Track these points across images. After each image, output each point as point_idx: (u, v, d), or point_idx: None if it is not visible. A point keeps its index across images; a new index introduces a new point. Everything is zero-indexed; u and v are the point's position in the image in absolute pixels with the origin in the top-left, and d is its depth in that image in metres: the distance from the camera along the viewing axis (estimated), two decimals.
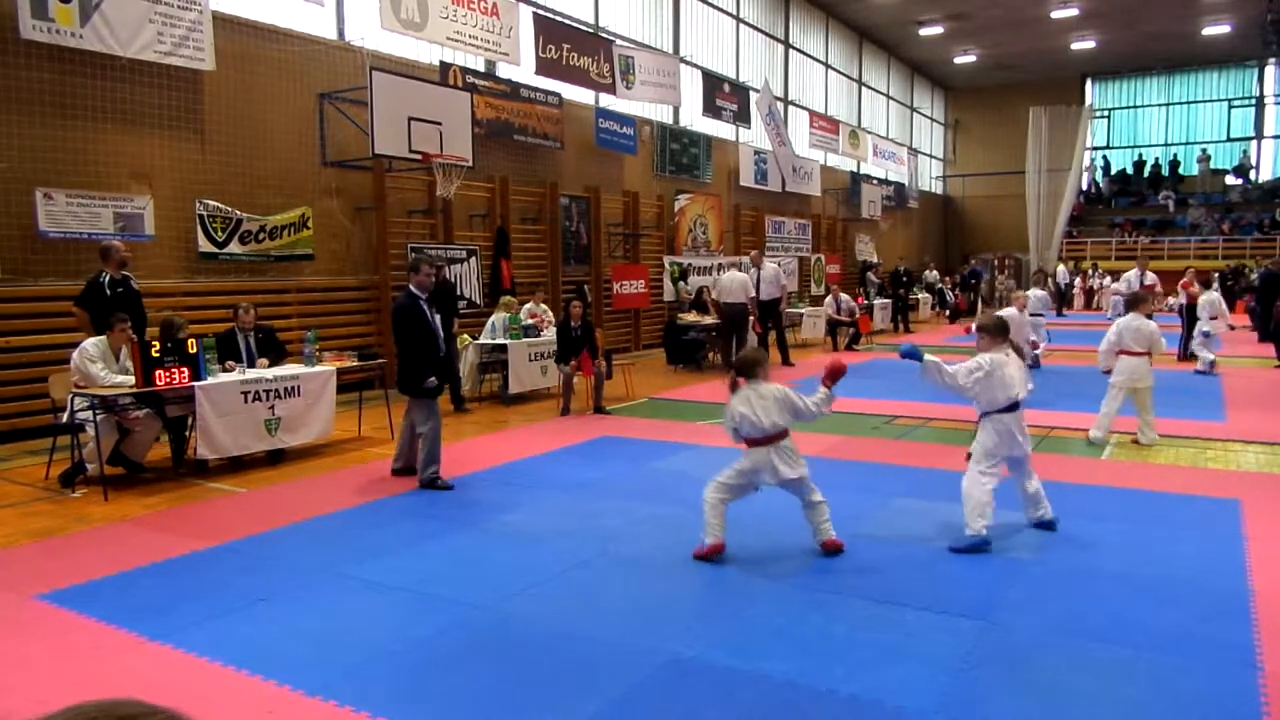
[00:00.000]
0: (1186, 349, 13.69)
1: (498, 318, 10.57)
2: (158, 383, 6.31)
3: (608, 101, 15.43)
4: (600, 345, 9.99)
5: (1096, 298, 26.83)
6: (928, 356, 4.91)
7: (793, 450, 4.72)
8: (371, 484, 6.49)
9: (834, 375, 4.74)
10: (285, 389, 7.12)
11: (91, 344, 6.50)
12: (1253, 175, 31.15)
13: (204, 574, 4.57)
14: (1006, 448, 4.97)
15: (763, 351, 5.16)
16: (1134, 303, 7.93)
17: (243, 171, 9.68)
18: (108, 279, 7.25)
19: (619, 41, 15.43)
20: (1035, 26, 25.16)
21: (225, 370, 6.99)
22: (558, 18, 14.09)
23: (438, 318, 6.60)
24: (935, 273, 25.63)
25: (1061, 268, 27.17)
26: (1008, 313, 9.87)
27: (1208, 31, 25.99)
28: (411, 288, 6.48)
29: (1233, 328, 12.66)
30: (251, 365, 7.37)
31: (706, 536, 4.68)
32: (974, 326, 5.14)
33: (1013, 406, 4.96)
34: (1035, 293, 13.64)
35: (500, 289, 12.14)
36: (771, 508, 5.69)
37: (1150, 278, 12.68)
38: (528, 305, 11.40)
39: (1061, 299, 25.83)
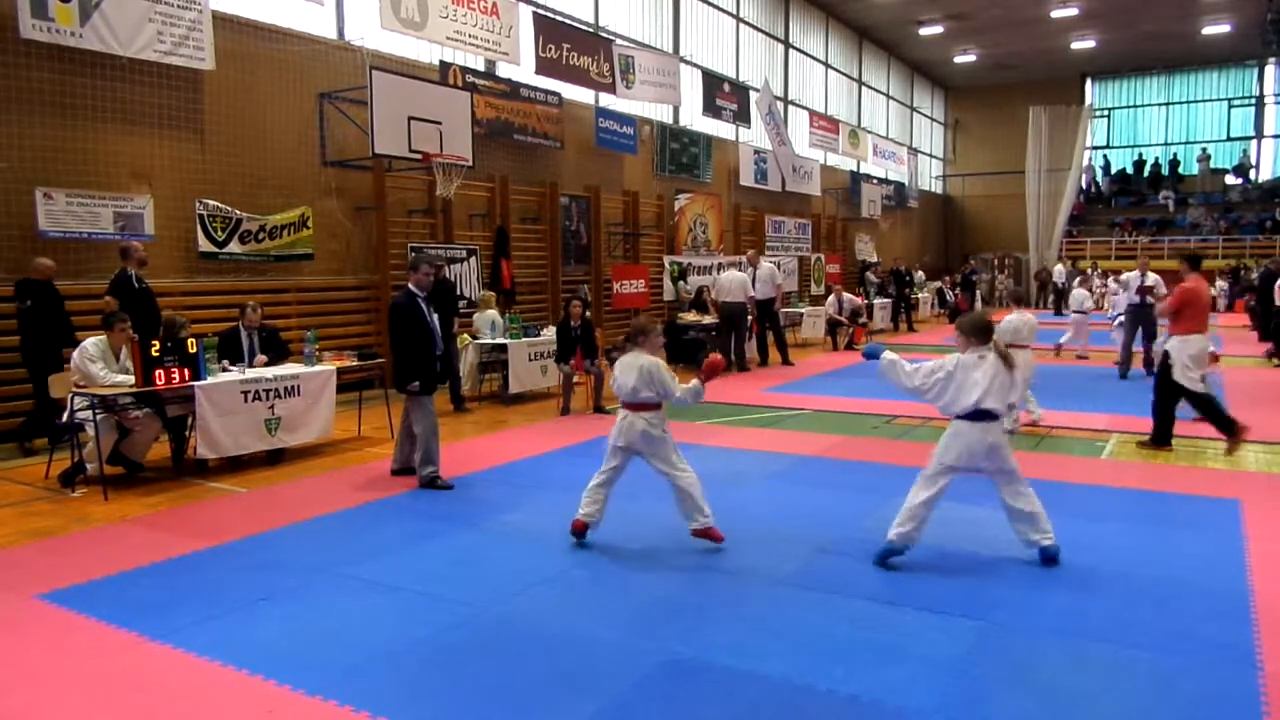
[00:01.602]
0: None
1: (494, 316, 10.55)
2: (157, 382, 6.31)
3: (608, 101, 15.42)
4: (600, 345, 9.99)
5: (1095, 297, 26.82)
6: (886, 354, 4.66)
7: (655, 423, 4.80)
8: (371, 484, 6.49)
9: (709, 371, 4.80)
10: (285, 389, 7.12)
11: (91, 344, 6.51)
12: (1253, 175, 31.16)
13: (204, 574, 4.57)
14: (960, 459, 4.50)
15: (653, 322, 5.07)
16: (1018, 300, 8.89)
17: (243, 171, 9.68)
18: (134, 275, 7.63)
19: (619, 41, 15.43)
20: (1035, 26, 25.16)
21: (224, 370, 7.01)
22: (558, 17, 14.08)
23: (436, 316, 6.61)
24: (921, 274, 25.50)
25: (1060, 267, 27.10)
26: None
27: (1208, 31, 25.99)
28: (410, 286, 6.48)
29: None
30: (253, 363, 7.41)
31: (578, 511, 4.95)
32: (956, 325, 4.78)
33: (977, 415, 4.45)
34: (1079, 292, 14.17)
35: (500, 289, 12.13)
36: (768, 508, 5.70)
37: (1152, 278, 12.61)
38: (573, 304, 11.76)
39: (1060, 299, 25.81)
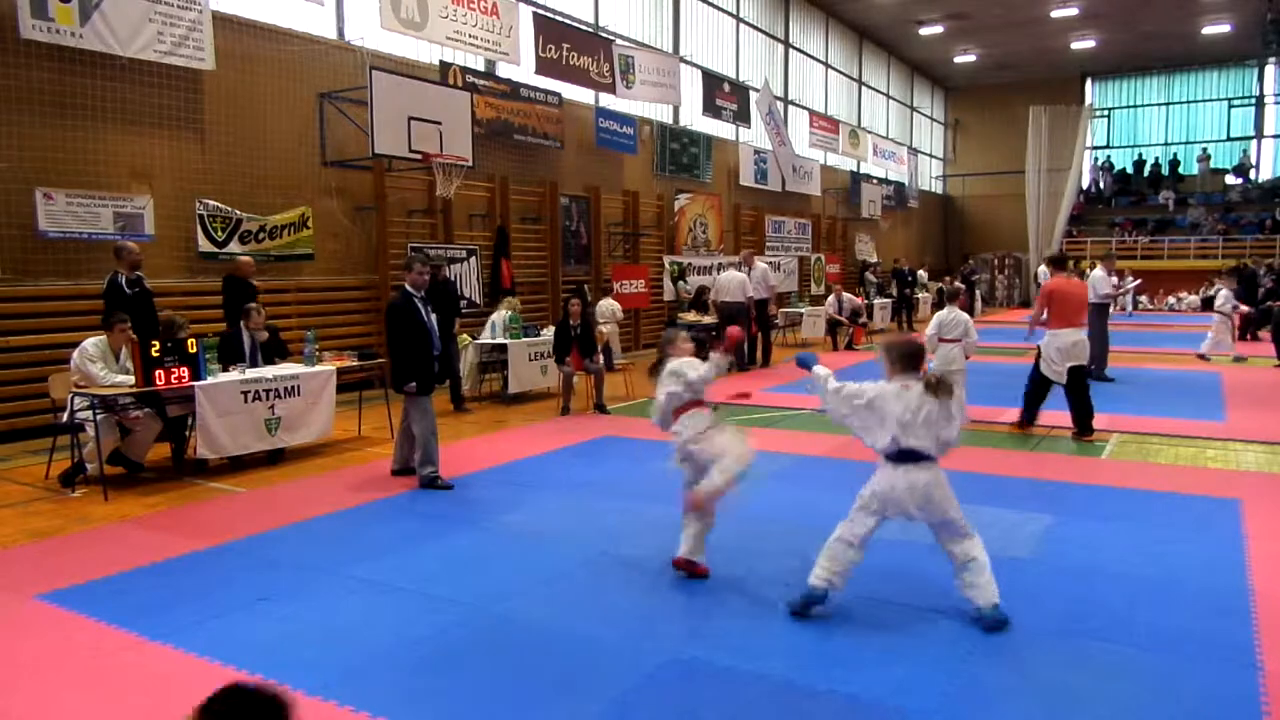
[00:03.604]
0: None
1: (499, 315, 10.57)
2: (157, 382, 6.31)
3: (608, 101, 15.42)
4: (599, 343, 10.00)
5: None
6: (817, 368, 4.08)
7: (692, 424, 4.36)
8: (371, 484, 6.49)
9: (730, 344, 4.45)
10: (285, 388, 7.12)
11: (91, 344, 6.51)
12: (1253, 175, 31.14)
13: (204, 574, 4.57)
14: (885, 505, 3.85)
15: (674, 331, 4.73)
16: (951, 297, 9.65)
17: (243, 171, 9.68)
18: (124, 279, 7.48)
19: (619, 41, 15.42)
20: (1035, 26, 25.16)
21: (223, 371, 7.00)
22: (558, 17, 14.08)
23: (434, 316, 6.61)
24: (924, 273, 25.30)
25: (1042, 269, 26.75)
26: None
27: (1208, 31, 25.99)
28: (406, 286, 6.48)
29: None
30: (254, 366, 7.39)
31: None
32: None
33: (902, 456, 3.80)
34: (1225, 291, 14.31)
35: (500, 288, 12.15)
36: (768, 508, 5.70)
37: (1113, 281, 12.33)
38: (605, 301, 12.66)
39: None
